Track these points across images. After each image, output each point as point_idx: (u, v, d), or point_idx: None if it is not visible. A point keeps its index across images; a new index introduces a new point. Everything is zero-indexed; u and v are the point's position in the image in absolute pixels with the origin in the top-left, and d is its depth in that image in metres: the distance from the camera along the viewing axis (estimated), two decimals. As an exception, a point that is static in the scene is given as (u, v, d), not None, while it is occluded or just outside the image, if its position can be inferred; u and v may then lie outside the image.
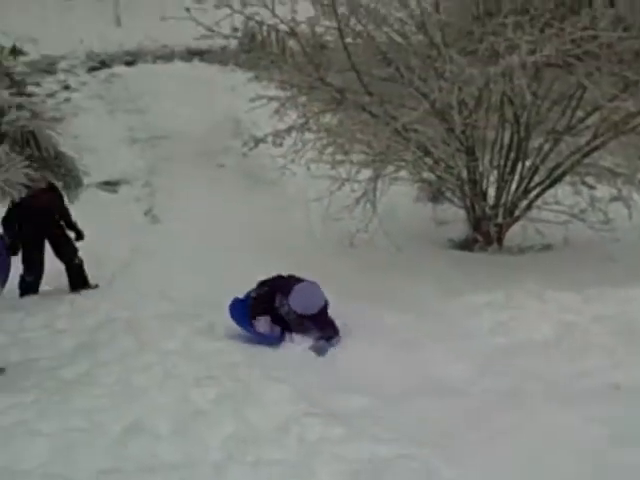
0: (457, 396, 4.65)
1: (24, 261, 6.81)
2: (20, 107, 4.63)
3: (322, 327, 5.74)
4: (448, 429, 4.18)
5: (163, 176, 9.84)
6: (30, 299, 6.70)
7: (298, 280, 5.98)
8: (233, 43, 9.74)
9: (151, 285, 7.14)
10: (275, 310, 5.89)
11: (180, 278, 7.50)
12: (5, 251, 5.88)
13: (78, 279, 7.18)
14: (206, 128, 10.87)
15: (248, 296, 6.01)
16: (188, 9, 6.82)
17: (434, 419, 4.31)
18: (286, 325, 5.87)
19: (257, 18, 7.02)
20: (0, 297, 5.15)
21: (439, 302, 6.56)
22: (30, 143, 4.58)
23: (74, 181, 4.88)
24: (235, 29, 7.70)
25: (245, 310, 5.92)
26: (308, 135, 7.87)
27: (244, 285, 6.12)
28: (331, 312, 5.79)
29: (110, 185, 9.68)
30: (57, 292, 7.06)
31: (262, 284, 6.05)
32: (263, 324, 5.82)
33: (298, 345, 5.64)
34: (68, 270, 7.16)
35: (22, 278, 6.91)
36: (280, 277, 6.11)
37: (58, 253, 7.09)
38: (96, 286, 7.24)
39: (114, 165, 9.93)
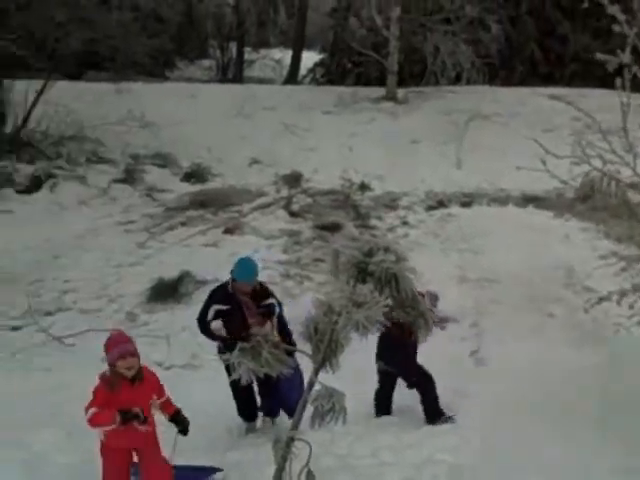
0: None
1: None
2: (387, 250, 5.04)
3: None
4: None
5: (490, 318, 9.87)
6: (361, 424, 6.98)
7: None
8: (570, 191, 9.58)
9: (473, 429, 7.10)
10: None
11: (500, 428, 7.39)
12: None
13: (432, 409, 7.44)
14: (536, 275, 10.77)
15: None
16: (544, 162, 6.81)
17: None
18: None
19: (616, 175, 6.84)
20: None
21: None
22: (391, 284, 4.92)
23: (425, 323, 5.12)
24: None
25: None
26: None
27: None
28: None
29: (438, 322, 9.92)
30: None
31: None
32: None
33: None
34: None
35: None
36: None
37: None
38: (450, 418, 7.37)
39: (443, 302, 10.21)
